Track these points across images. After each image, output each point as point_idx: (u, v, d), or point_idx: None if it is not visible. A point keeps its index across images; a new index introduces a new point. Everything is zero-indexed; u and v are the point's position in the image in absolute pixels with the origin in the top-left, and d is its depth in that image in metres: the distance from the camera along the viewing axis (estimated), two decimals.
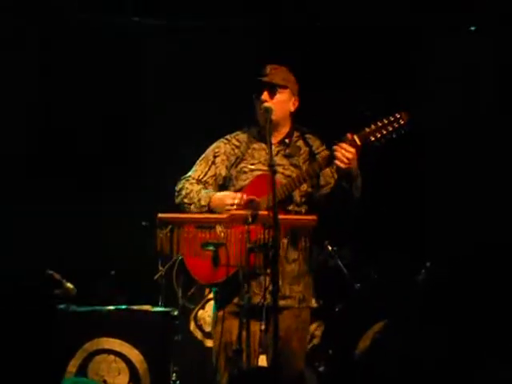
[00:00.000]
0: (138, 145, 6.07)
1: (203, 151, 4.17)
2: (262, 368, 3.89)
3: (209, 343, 5.22)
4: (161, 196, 5.47)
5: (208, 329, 5.25)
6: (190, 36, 6.04)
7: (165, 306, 5.00)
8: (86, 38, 5.92)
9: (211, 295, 5.18)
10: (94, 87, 5.96)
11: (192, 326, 5.31)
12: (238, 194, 3.94)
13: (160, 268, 5.19)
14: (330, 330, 5.30)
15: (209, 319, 5.24)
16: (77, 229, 5.79)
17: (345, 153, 3.79)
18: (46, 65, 5.95)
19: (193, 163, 4.15)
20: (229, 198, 3.93)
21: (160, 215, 3.80)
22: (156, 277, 5.20)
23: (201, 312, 5.31)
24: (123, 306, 4.50)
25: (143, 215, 5.31)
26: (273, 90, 4.03)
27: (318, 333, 5.35)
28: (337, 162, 3.80)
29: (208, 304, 5.29)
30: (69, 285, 4.24)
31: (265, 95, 4.02)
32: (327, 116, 5.30)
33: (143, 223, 5.36)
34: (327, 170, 3.98)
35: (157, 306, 4.91)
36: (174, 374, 4.53)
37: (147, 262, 5.28)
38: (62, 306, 4.17)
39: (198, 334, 5.30)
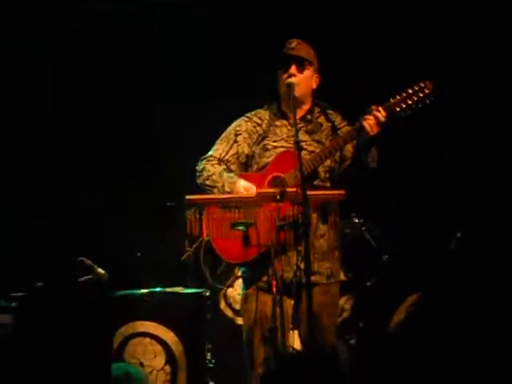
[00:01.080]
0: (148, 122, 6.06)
1: (216, 131, 4.18)
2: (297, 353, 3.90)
3: (239, 321, 5.22)
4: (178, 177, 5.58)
5: (238, 307, 5.27)
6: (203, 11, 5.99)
7: (194, 287, 5.02)
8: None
9: (240, 273, 5.21)
10: (101, 72, 5.95)
11: (222, 304, 5.33)
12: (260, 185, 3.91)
13: (187, 248, 5.21)
14: (359, 303, 5.30)
15: (238, 297, 5.26)
16: (101, 213, 5.81)
17: (378, 115, 3.79)
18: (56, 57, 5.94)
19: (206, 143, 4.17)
20: (252, 189, 3.89)
21: (188, 197, 3.80)
22: (184, 257, 5.22)
23: (230, 290, 5.33)
24: (156, 289, 4.52)
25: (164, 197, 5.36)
26: (301, 64, 4.01)
27: (348, 306, 5.36)
28: (367, 127, 3.79)
29: (237, 282, 5.31)
30: (100, 270, 4.25)
31: (293, 69, 3.99)
32: (345, 94, 5.26)
33: (168, 203, 5.36)
34: (348, 145, 3.98)
35: (187, 286, 4.93)
36: (209, 354, 4.56)
37: (174, 242, 5.30)
38: (94, 292, 4.19)
39: (229, 313, 5.33)
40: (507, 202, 5.28)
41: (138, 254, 5.34)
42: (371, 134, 3.81)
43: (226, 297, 5.33)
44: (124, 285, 4.56)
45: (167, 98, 5.98)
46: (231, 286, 5.33)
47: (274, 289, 3.71)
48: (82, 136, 5.90)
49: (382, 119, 3.81)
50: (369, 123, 3.81)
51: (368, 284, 5.22)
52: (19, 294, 3.89)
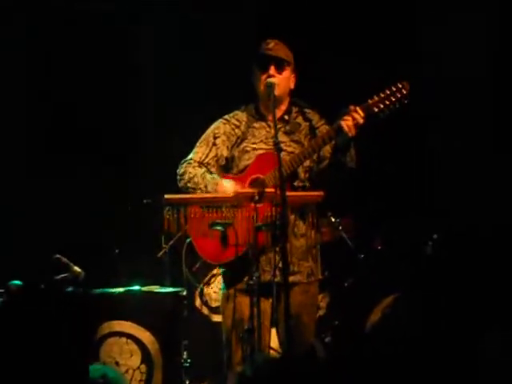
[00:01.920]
0: (137, 121, 6.01)
1: (201, 126, 4.17)
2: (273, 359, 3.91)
3: (215, 318, 5.24)
4: (159, 175, 5.56)
5: (214, 304, 5.27)
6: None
7: (170, 284, 5.01)
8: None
9: (216, 271, 5.21)
10: (91, 67, 5.90)
11: (198, 302, 5.33)
12: (243, 184, 3.93)
13: (163, 245, 5.19)
14: (335, 302, 5.33)
15: (215, 295, 5.27)
16: (77, 208, 5.77)
17: (356, 116, 3.79)
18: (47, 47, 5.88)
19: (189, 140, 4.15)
20: (234, 187, 3.90)
21: (167, 196, 3.79)
22: (160, 254, 5.21)
23: (206, 288, 5.33)
24: (133, 288, 4.51)
25: (142, 194, 5.33)
26: (280, 65, 4.01)
27: (323, 304, 5.38)
28: (345, 128, 3.79)
29: (213, 280, 5.31)
30: (76, 268, 4.23)
31: (272, 70, 3.99)
32: (324, 90, 5.26)
33: (145, 201, 5.34)
34: (327, 145, 3.99)
35: (163, 284, 4.92)
36: (185, 353, 4.56)
37: (150, 239, 5.29)
38: (69, 290, 4.17)
39: (204, 310, 5.33)
40: (486, 200, 5.31)
41: (116, 251, 5.32)
42: (349, 134, 3.82)
43: (202, 294, 5.33)
44: (100, 283, 4.54)
45: (153, 97, 5.98)
46: (207, 283, 5.33)
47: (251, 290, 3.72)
48: (59, 131, 5.84)
49: (360, 120, 3.82)
50: (347, 124, 3.81)
51: (345, 284, 5.25)
52: None
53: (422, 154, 5.63)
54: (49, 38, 5.81)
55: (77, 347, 3.15)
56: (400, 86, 3.87)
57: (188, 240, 4.07)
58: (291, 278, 3.83)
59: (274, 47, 4.03)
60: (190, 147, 4.13)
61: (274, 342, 4.27)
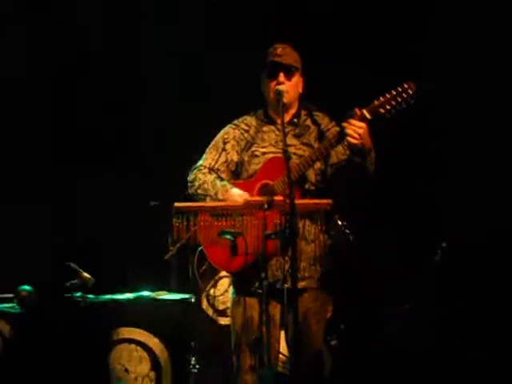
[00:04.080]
0: (139, 124, 6.01)
1: (210, 131, 4.17)
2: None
3: (222, 321, 5.25)
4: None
5: (221, 307, 5.27)
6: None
7: (177, 287, 5.01)
8: None
9: (223, 273, 5.21)
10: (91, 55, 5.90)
11: (204, 304, 5.32)
12: (252, 193, 3.92)
13: (170, 248, 5.19)
14: (341, 305, 5.32)
15: (221, 298, 5.27)
16: (82, 211, 5.78)
17: (356, 129, 3.77)
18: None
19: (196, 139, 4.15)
20: (245, 195, 3.89)
21: (176, 204, 3.80)
22: (167, 256, 5.20)
23: (213, 290, 5.33)
24: (142, 293, 4.51)
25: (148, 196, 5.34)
26: (289, 71, 4.00)
27: (330, 307, 5.37)
28: (349, 138, 3.78)
29: (220, 282, 5.31)
30: (86, 274, 4.24)
31: (282, 77, 3.98)
32: (332, 92, 5.25)
33: (151, 203, 5.34)
34: (339, 147, 3.97)
35: (170, 288, 4.92)
36: (193, 358, 4.56)
37: (156, 241, 5.29)
38: (78, 295, 4.18)
39: (210, 312, 5.33)
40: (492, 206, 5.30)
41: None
42: (354, 142, 3.80)
43: (208, 297, 5.33)
44: (109, 287, 4.54)
45: (157, 96, 5.96)
46: (214, 286, 5.33)
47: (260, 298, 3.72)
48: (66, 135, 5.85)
49: (361, 131, 3.78)
50: (349, 133, 3.78)
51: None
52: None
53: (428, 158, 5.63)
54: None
55: (88, 355, 3.15)
56: (406, 86, 3.84)
57: (200, 248, 4.07)
58: (302, 284, 3.86)
59: (283, 53, 4.02)
60: (199, 152, 4.15)
61: (283, 345, 4.28)
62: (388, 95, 3.85)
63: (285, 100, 3.94)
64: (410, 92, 3.83)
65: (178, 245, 5.15)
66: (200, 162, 4.10)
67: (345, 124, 3.80)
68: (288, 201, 3.58)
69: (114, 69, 5.84)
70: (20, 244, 5.49)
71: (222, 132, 4.13)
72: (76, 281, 4.19)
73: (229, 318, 4.51)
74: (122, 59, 5.88)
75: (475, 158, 5.40)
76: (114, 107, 5.87)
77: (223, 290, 5.26)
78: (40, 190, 5.70)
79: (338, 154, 4.01)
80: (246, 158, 4.04)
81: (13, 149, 5.73)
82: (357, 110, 3.84)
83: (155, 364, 4.26)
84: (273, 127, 4.08)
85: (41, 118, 5.84)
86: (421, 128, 5.44)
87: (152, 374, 4.26)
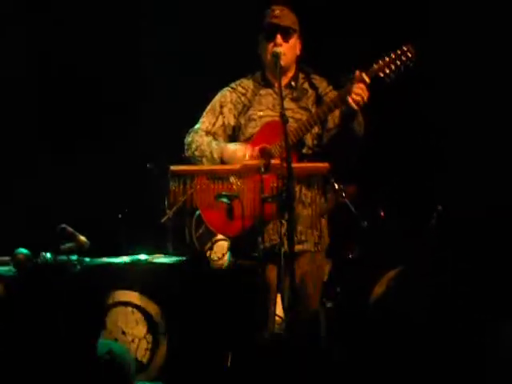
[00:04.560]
0: (135, 91, 5.96)
1: (208, 94, 4.14)
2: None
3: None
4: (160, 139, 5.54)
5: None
6: None
7: (173, 250, 5.01)
8: None
9: (219, 236, 5.20)
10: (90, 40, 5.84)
11: None
12: (249, 146, 3.91)
13: (167, 211, 5.18)
14: (338, 268, 5.34)
15: (219, 260, 5.26)
16: (78, 175, 5.76)
17: (361, 93, 3.76)
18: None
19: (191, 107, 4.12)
20: (240, 150, 3.90)
21: (172, 167, 3.79)
22: (163, 220, 5.18)
23: (209, 253, 5.32)
24: (138, 257, 4.51)
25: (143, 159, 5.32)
26: (287, 33, 3.96)
27: (326, 270, 5.39)
28: (351, 103, 3.76)
29: (216, 244, 5.30)
30: (82, 238, 4.23)
31: (279, 39, 3.94)
32: (329, 58, 5.21)
33: (148, 165, 5.32)
34: (335, 111, 3.96)
35: (166, 251, 4.92)
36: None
37: (152, 204, 5.28)
38: (74, 258, 4.18)
39: None
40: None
41: (119, 216, 5.31)
42: (355, 108, 3.79)
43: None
44: (105, 250, 4.54)
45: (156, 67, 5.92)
46: (211, 248, 5.32)
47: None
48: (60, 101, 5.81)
49: (365, 96, 3.77)
50: (353, 98, 3.78)
51: (350, 256, 5.25)
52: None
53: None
54: None
55: (84, 319, 3.15)
56: (405, 48, 3.81)
57: (198, 212, 4.05)
58: (299, 247, 3.87)
59: (281, 14, 3.98)
60: (196, 116, 4.12)
61: (279, 308, 4.30)
62: (387, 58, 3.82)
63: (282, 63, 3.90)
64: (409, 55, 3.81)
65: (174, 208, 5.15)
66: (197, 125, 4.08)
67: (349, 89, 3.77)
68: (285, 164, 3.57)
69: (113, 69, 5.80)
70: (16, 208, 5.50)
71: (218, 95, 4.11)
72: (72, 244, 4.19)
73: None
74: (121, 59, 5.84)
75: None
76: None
77: (220, 252, 5.26)
78: (36, 159, 5.70)
79: (335, 118, 3.99)
80: (243, 122, 4.02)
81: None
82: (357, 73, 3.81)
83: (152, 326, 4.28)
84: (270, 90, 4.05)
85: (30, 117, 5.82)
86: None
87: (149, 337, 4.26)
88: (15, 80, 5.68)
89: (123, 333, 4.24)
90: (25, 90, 5.73)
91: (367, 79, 3.79)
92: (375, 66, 3.83)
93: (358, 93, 3.76)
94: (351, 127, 3.87)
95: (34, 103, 5.77)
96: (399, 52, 3.82)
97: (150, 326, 4.27)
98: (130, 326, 4.26)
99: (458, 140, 5.41)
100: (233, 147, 3.93)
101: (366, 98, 3.77)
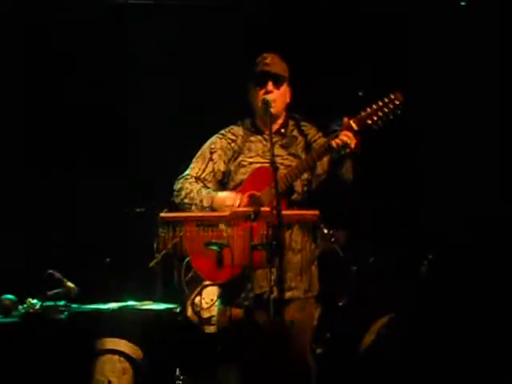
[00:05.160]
0: (124, 132, 5.96)
1: (197, 141, 4.14)
2: None
3: (207, 329, 5.23)
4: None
5: (206, 315, 5.24)
6: (176, 15, 5.92)
7: (162, 296, 4.98)
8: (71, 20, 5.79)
9: (208, 282, 5.18)
10: (78, 70, 5.85)
11: (190, 312, 5.29)
12: (239, 194, 3.90)
13: (156, 255, 5.15)
14: (327, 314, 5.31)
15: (207, 305, 5.24)
16: (65, 220, 5.73)
17: (346, 139, 3.76)
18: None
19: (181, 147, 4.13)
20: (230, 199, 3.89)
21: (162, 214, 3.77)
22: (151, 264, 5.15)
23: (198, 298, 5.29)
24: (126, 303, 4.47)
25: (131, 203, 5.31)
26: (278, 80, 3.98)
27: (316, 315, 5.36)
28: (334, 147, 3.76)
29: (205, 290, 5.27)
30: (70, 284, 4.20)
31: (270, 86, 3.96)
32: (318, 102, 5.24)
33: (137, 210, 5.31)
34: (324, 158, 3.96)
35: (155, 296, 4.89)
36: (178, 369, 4.53)
37: (141, 248, 5.25)
38: (61, 304, 4.13)
39: (196, 320, 5.30)
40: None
41: (107, 260, 5.28)
42: (337, 151, 3.79)
43: (193, 305, 5.30)
44: (93, 297, 4.50)
45: (144, 102, 5.92)
46: (199, 294, 5.29)
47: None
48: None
49: (352, 142, 3.77)
50: (337, 143, 3.79)
51: (340, 304, 5.23)
52: None
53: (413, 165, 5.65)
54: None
55: (71, 369, 3.11)
56: (393, 96, 3.83)
57: (186, 260, 4.03)
58: (288, 294, 3.82)
59: (272, 62, 4.00)
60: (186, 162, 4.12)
61: None
62: (375, 106, 3.84)
63: (273, 110, 3.92)
64: (397, 102, 3.83)
65: (163, 252, 5.12)
66: (187, 172, 4.08)
67: (335, 140, 3.78)
68: (275, 212, 3.56)
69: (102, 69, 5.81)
70: (3, 252, 5.45)
71: (208, 142, 4.11)
72: (59, 289, 4.15)
73: (214, 327, 4.50)
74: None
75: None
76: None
77: (209, 298, 5.24)
78: (21, 198, 5.66)
79: (323, 164, 3.99)
80: (232, 168, 4.02)
81: None
82: (345, 120, 3.83)
83: (138, 375, 4.23)
84: (260, 137, 4.06)
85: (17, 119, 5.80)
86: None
87: None
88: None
89: (109, 382, 4.18)
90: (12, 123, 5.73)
91: (355, 126, 3.80)
92: (363, 114, 3.84)
93: (342, 139, 3.76)
94: (339, 173, 3.87)
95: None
96: (387, 100, 3.83)
97: (136, 375, 4.22)
98: (116, 375, 4.21)
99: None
100: (222, 195, 3.92)
101: (352, 145, 3.76)
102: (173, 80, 5.78)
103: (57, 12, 5.75)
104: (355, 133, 3.79)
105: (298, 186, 3.97)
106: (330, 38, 5.71)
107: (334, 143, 3.78)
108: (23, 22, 5.72)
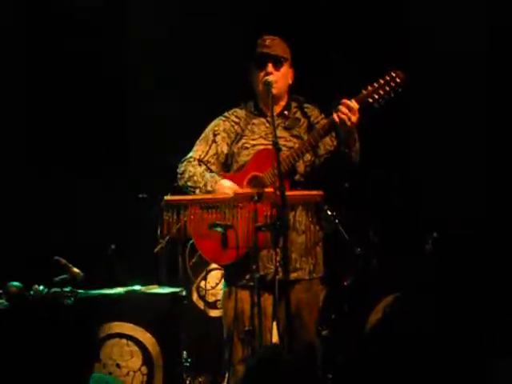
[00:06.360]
0: (124, 132, 5.97)
1: (200, 124, 4.14)
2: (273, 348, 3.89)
3: (212, 313, 5.25)
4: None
5: (211, 299, 5.27)
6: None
7: (167, 280, 4.99)
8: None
9: (213, 265, 5.19)
10: (77, 69, 5.84)
11: (195, 296, 5.32)
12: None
13: (160, 240, 5.16)
14: (332, 295, 5.32)
15: (212, 290, 5.26)
16: (71, 206, 5.74)
17: (347, 112, 3.76)
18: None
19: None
20: (232, 190, 3.86)
21: (167, 198, 3.78)
22: (156, 249, 5.17)
23: (203, 282, 5.31)
24: (132, 288, 4.48)
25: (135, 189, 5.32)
26: (278, 62, 3.99)
27: (321, 297, 5.36)
28: (337, 120, 3.76)
29: (210, 274, 5.29)
30: (75, 269, 4.20)
31: (270, 67, 3.97)
32: (321, 87, 5.23)
33: (140, 195, 5.32)
34: (327, 138, 3.97)
35: (160, 280, 4.90)
36: (185, 352, 4.55)
37: (146, 234, 5.26)
38: (67, 290, 4.14)
39: (201, 304, 5.32)
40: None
41: (112, 247, 5.30)
42: (346, 126, 3.78)
43: (198, 289, 5.32)
44: (99, 282, 4.51)
45: (144, 92, 5.91)
46: (204, 278, 5.31)
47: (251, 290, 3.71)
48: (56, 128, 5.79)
49: (353, 116, 3.77)
50: (340, 116, 3.79)
51: (345, 284, 5.24)
52: None
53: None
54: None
55: (78, 353, 3.11)
56: (394, 74, 3.83)
57: (191, 241, 4.04)
58: (293, 275, 3.83)
59: (272, 44, 4.01)
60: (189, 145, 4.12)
61: (274, 336, 4.26)
62: (376, 84, 3.84)
63: (274, 91, 3.93)
64: (398, 80, 3.83)
65: (167, 237, 5.14)
66: (190, 154, 4.08)
67: (337, 108, 3.78)
68: (278, 193, 3.57)
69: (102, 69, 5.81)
70: (9, 240, 5.47)
71: (212, 124, 4.12)
72: (65, 276, 4.16)
73: (219, 310, 4.51)
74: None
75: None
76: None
77: (214, 282, 5.26)
78: (30, 186, 5.67)
79: (326, 145, 4.00)
80: (235, 150, 4.03)
81: None
82: (344, 100, 3.82)
83: (147, 358, 4.23)
84: (263, 119, 4.07)
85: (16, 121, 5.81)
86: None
87: (144, 369, 4.22)
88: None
89: (118, 366, 4.20)
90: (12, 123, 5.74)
91: (356, 104, 3.80)
92: (364, 92, 3.85)
93: (343, 110, 3.77)
94: (346, 153, 3.87)
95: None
96: (388, 78, 3.83)
97: (145, 358, 4.23)
98: (124, 358, 4.22)
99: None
100: (225, 183, 3.91)
101: (353, 119, 3.77)
102: (175, 59, 5.77)
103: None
104: (356, 109, 3.79)
105: (301, 166, 3.97)
106: (333, 22, 5.69)
107: (335, 116, 3.79)
108: (23, 21, 5.71)
